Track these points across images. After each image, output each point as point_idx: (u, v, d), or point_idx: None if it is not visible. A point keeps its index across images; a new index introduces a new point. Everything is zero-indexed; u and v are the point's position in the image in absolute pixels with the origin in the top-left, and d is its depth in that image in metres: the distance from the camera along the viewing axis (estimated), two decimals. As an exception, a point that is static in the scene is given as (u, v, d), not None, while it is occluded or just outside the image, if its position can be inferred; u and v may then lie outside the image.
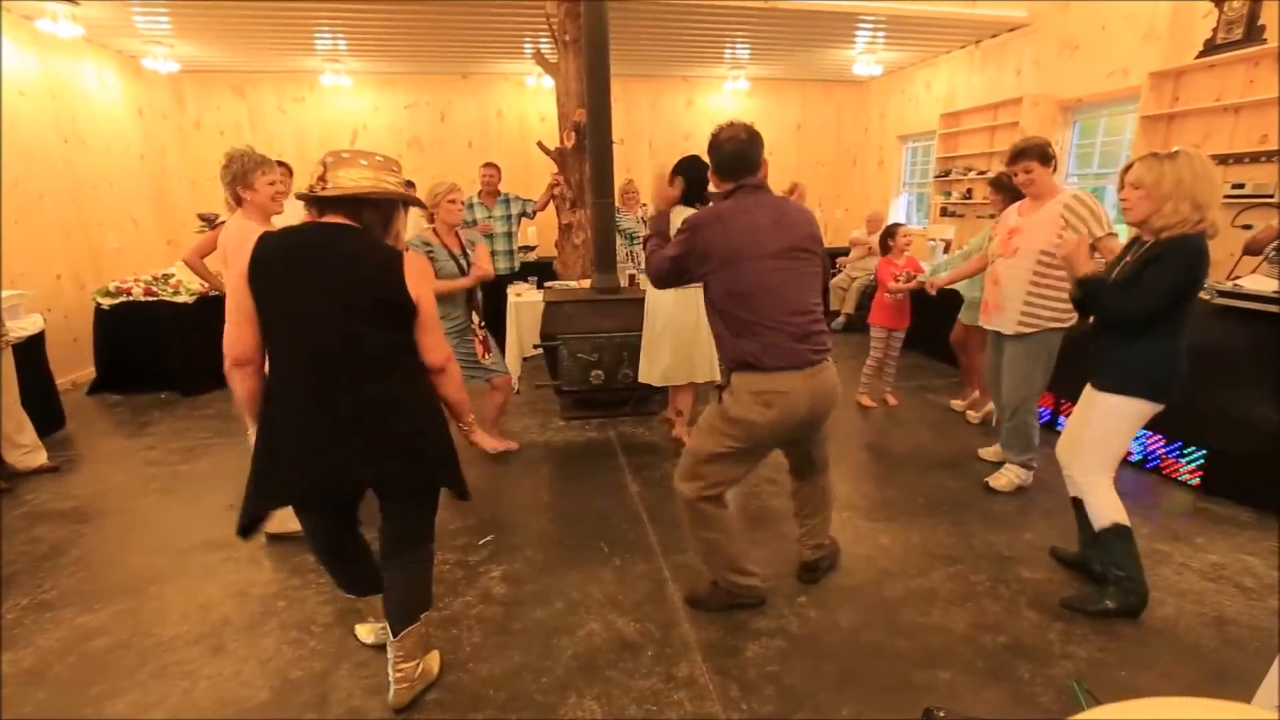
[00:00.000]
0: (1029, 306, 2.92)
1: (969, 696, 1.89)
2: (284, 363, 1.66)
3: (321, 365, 1.63)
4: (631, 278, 4.50)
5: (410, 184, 2.10)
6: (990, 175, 6.06)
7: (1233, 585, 2.41)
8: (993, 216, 3.59)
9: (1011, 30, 5.85)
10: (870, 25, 5.88)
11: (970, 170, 6.45)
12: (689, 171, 3.06)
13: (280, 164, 3.13)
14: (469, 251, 3.36)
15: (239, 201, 2.61)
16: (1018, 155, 2.87)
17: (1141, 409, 2.15)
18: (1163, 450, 3.29)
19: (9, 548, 2.79)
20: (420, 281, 1.72)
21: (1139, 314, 2.06)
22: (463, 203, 3.33)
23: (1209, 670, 1.99)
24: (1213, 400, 3.00)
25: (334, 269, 1.64)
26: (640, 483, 3.34)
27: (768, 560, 2.55)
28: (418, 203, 1.93)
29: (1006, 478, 3.16)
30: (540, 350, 4.20)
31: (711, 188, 2.20)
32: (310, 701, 1.91)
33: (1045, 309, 2.89)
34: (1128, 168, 2.12)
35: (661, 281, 2.21)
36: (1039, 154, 2.84)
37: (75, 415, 4.41)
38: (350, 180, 1.68)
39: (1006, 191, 3.46)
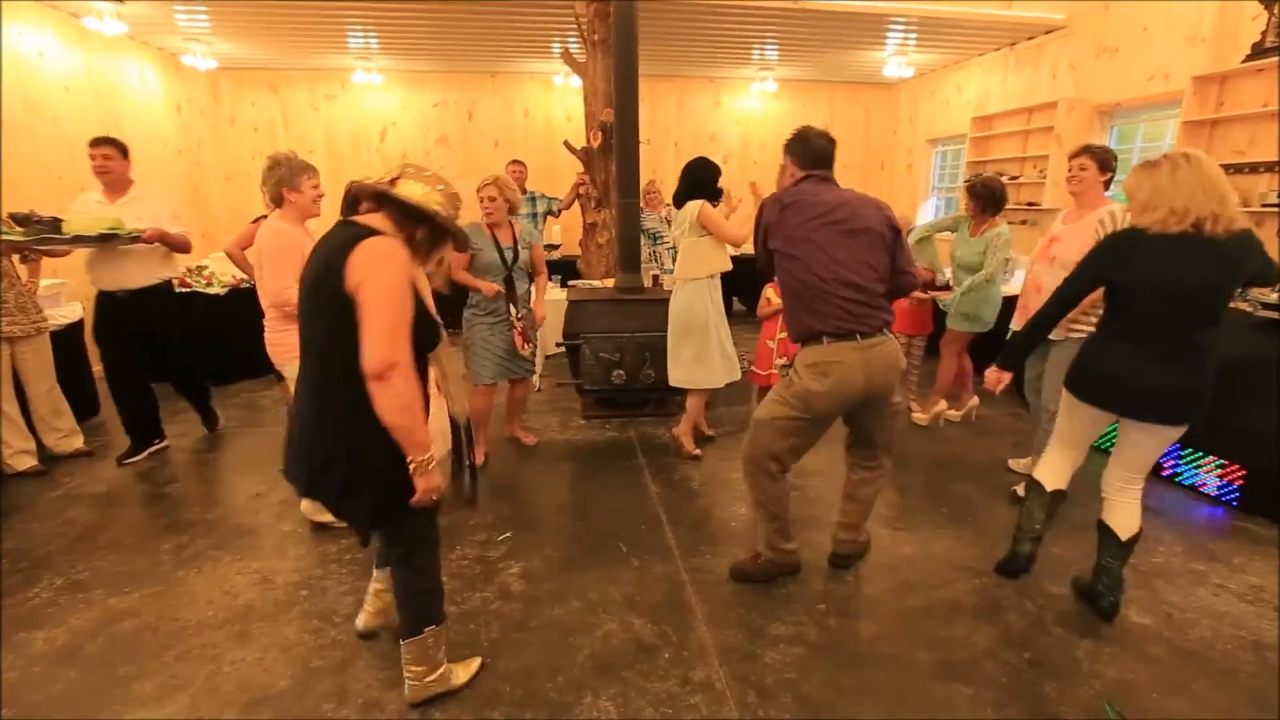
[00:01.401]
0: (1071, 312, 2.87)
1: (991, 713, 1.85)
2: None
3: (301, 363, 1.65)
4: (655, 278, 4.49)
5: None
6: (1025, 178, 5.96)
7: (1272, 608, 2.33)
8: (970, 218, 3.83)
9: (1048, 33, 5.73)
10: (902, 26, 5.80)
11: (1003, 175, 6.31)
12: (697, 173, 3.35)
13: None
14: (521, 246, 3.35)
15: (280, 202, 2.69)
16: (1079, 151, 2.90)
17: (1069, 398, 2.26)
18: (1198, 467, 3.19)
19: (45, 529, 2.87)
20: (366, 269, 1.46)
21: (1052, 298, 2.24)
22: (498, 200, 3.21)
23: (1245, 696, 1.92)
24: (1247, 416, 2.89)
25: (317, 263, 1.56)
26: (660, 484, 3.33)
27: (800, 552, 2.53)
28: (466, 240, 1.78)
29: None
30: (563, 348, 4.21)
31: (786, 179, 2.40)
32: (330, 691, 1.93)
33: (1087, 316, 2.84)
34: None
35: (761, 272, 2.49)
36: (1099, 156, 2.86)
37: (109, 402, 4.50)
38: (416, 194, 1.61)
39: (979, 199, 3.65)
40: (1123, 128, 5.40)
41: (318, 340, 1.57)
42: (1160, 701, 1.90)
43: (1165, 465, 3.33)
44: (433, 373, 1.78)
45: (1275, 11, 3.91)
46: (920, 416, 4.05)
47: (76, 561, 2.62)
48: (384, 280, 1.47)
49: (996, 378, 2.38)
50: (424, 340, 1.66)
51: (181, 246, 3.52)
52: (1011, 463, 3.50)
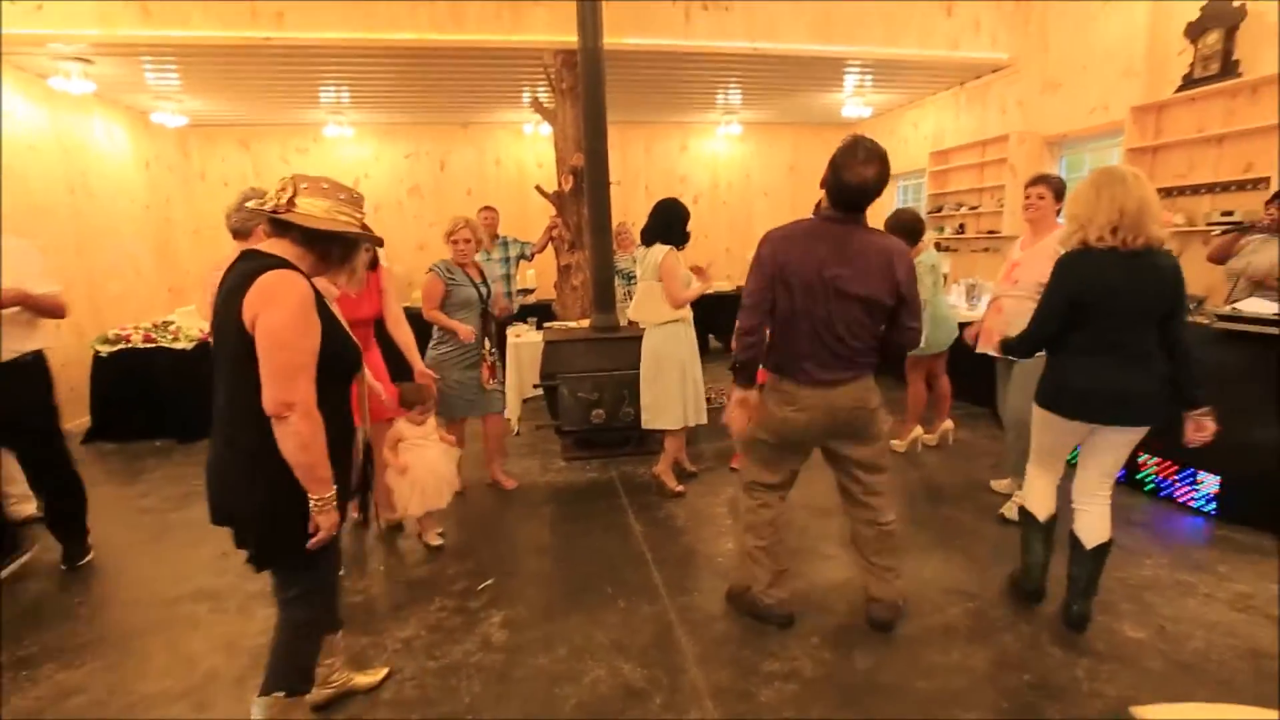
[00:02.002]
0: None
1: (996, 740, 1.79)
2: None
3: (215, 405, 1.60)
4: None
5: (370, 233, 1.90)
6: (982, 209, 6.18)
7: (1263, 615, 2.32)
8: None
9: (994, 71, 6.04)
10: (858, 68, 6.07)
11: (962, 206, 6.55)
12: (668, 214, 3.40)
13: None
14: (491, 280, 3.59)
15: (246, 236, 2.51)
16: (1037, 180, 3.04)
17: (1043, 415, 2.27)
18: (1175, 478, 3.23)
19: (-10, 602, 2.68)
20: (260, 306, 1.44)
21: (1034, 321, 2.23)
22: (474, 241, 3.40)
23: (1245, 705, 1.89)
24: (1224, 426, 2.95)
25: (219, 301, 1.54)
26: (644, 523, 3.25)
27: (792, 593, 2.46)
28: (378, 241, 1.77)
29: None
30: (540, 391, 4.17)
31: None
32: (299, 761, 1.80)
33: None
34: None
35: (743, 314, 2.19)
36: (1054, 185, 3.03)
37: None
38: (321, 212, 1.56)
39: (894, 234, 3.70)
40: (1071, 157, 5.66)
41: (221, 373, 1.55)
42: (1163, 718, 1.85)
43: (1146, 479, 3.36)
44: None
45: (1200, 46, 4.18)
46: (897, 444, 4.07)
47: (24, 636, 2.43)
48: (276, 319, 1.44)
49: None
50: (344, 366, 1.64)
51: (51, 310, 2.92)
52: (993, 483, 3.51)
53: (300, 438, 1.46)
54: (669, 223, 3.39)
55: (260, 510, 1.55)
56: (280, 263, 1.51)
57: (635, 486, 3.73)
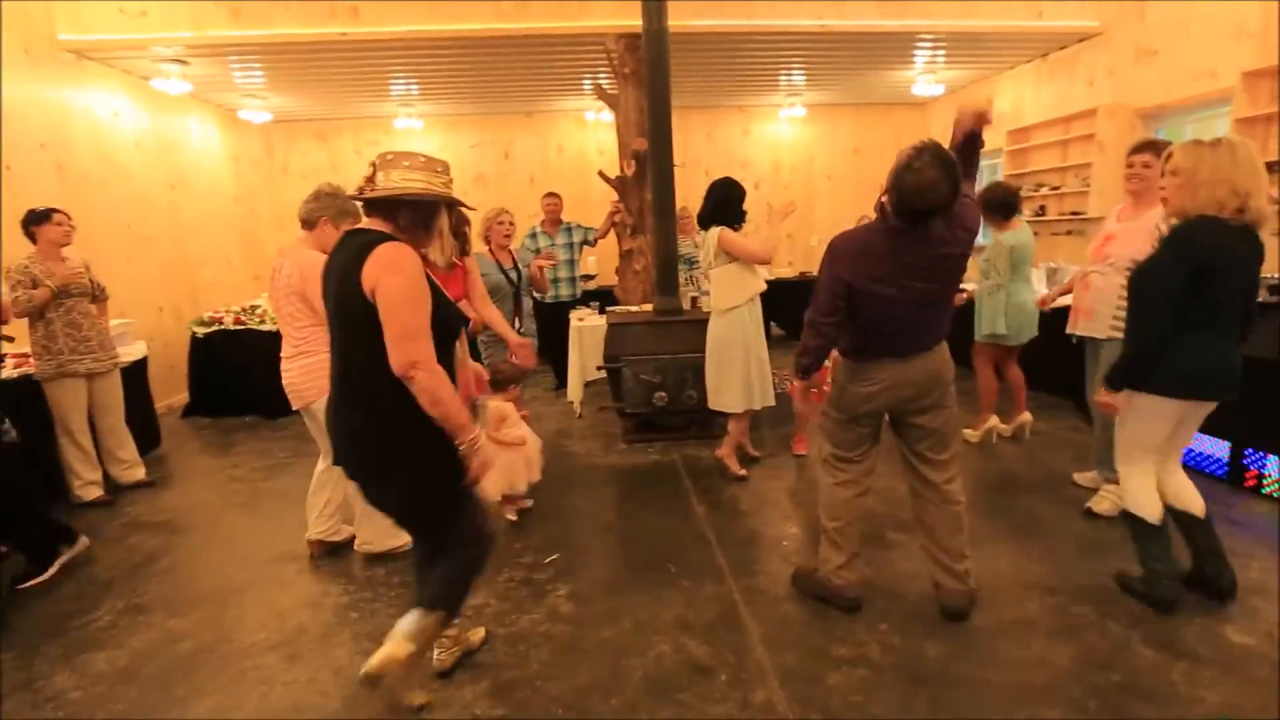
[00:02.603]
0: (1123, 312, 2.76)
1: (1083, 737, 1.71)
2: None
3: (335, 372, 1.70)
4: (694, 300, 4.48)
5: (458, 203, 1.96)
6: (1064, 190, 5.81)
7: (1391, 625, 2.11)
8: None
9: (1081, 40, 5.65)
10: (930, 43, 5.80)
11: (1042, 186, 6.18)
12: (720, 193, 3.36)
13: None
14: (522, 265, 3.81)
15: (312, 227, 2.61)
16: (1141, 146, 2.81)
17: (1153, 404, 2.11)
18: (1244, 461, 3.01)
19: (109, 555, 2.96)
20: (378, 276, 1.54)
21: (1146, 320, 2.06)
22: (510, 223, 3.76)
23: (1373, 720, 1.73)
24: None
25: (334, 277, 1.64)
26: (707, 505, 3.25)
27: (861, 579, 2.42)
28: (459, 203, 1.82)
29: (1110, 500, 2.90)
30: (603, 374, 4.21)
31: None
32: (379, 713, 1.90)
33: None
34: (1168, 156, 2.10)
35: (810, 332, 2.20)
36: (1162, 153, 2.75)
37: (170, 436, 4.71)
38: (391, 182, 1.65)
39: (983, 208, 3.55)
40: (1169, 130, 5.23)
41: (345, 344, 1.66)
42: (1273, 726, 1.72)
43: (1249, 474, 3.11)
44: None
45: (1328, 2, 3.78)
46: (970, 433, 3.90)
47: (138, 586, 2.68)
48: (397, 284, 1.55)
49: (1107, 401, 2.19)
50: (450, 332, 1.73)
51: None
52: (1076, 477, 3.31)
53: (430, 393, 1.56)
54: (723, 200, 3.36)
55: (400, 467, 1.66)
56: (384, 236, 1.62)
57: (698, 470, 3.73)
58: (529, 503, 3.19)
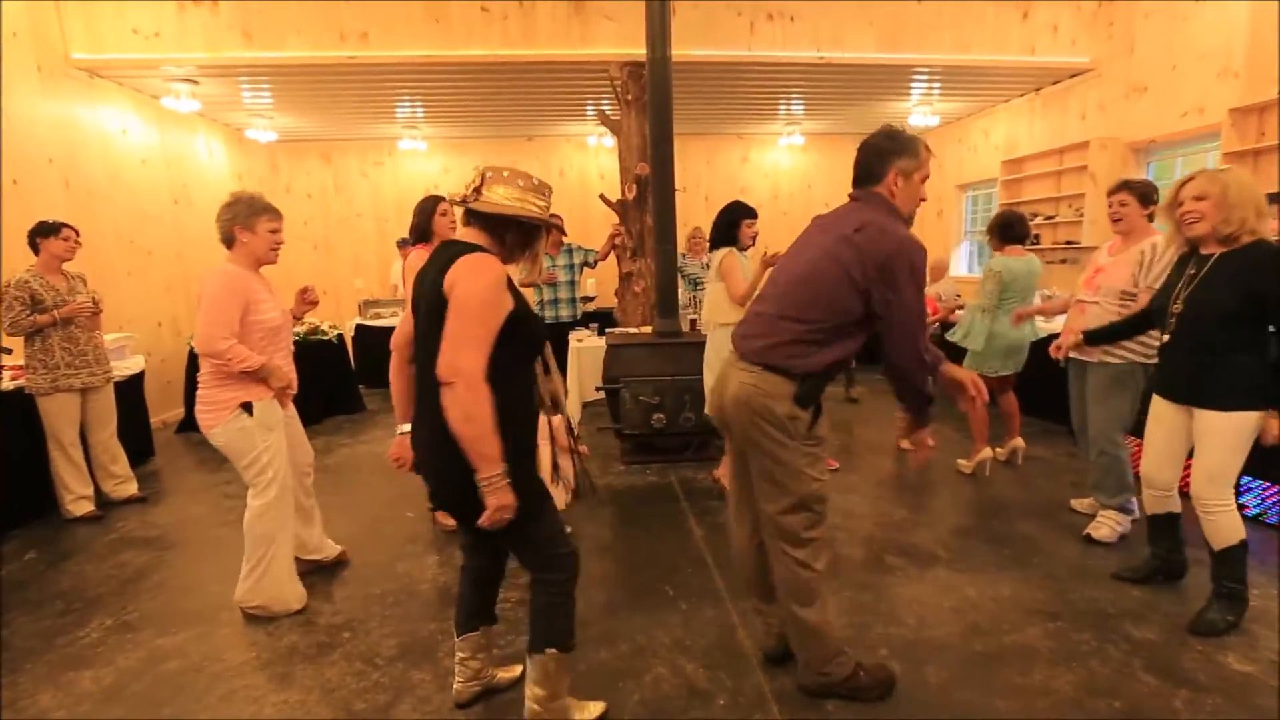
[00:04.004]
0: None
1: (1086, 767, 1.68)
2: None
3: (418, 380, 1.70)
4: (693, 322, 4.51)
5: (557, 216, 1.97)
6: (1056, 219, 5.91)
7: (1393, 655, 2.10)
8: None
9: (1073, 76, 5.80)
10: (926, 77, 5.94)
11: (1036, 215, 6.28)
12: (727, 215, 3.51)
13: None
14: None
15: (230, 244, 2.41)
16: (1118, 187, 2.90)
17: (1254, 421, 2.13)
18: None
19: (98, 571, 2.91)
20: (456, 280, 1.51)
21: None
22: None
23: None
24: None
25: (426, 289, 1.62)
26: (705, 527, 3.23)
27: (841, 611, 2.40)
28: (560, 228, 1.84)
29: (1108, 526, 2.91)
30: (601, 395, 4.22)
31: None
32: (372, 735, 1.87)
33: (1131, 344, 2.78)
34: (1183, 183, 2.21)
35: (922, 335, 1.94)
36: (1139, 191, 2.88)
37: (163, 451, 4.68)
38: (502, 198, 1.63)
39: (988, 231, 3.79)
40: (1159, 163, 5.35)
41: (431, 364, 1.56)
42: (1278, 757, 1.70)
43: (1246, 505, 3.11)
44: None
45: (1311, 43, 3.90)
46: (964, 464, 3.90)
47: (127, 603, 2.64)
48: (467, 291, 1.51)
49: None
50: (533, 349, 1.71)
51: None
52: (1074, 503, 3.31)
53: (464, 407, 1.47)
54: (730, 224, 3.46)
55: (462, 478, 1.54)
56: (475, 247, 1.61)
57: (695, 491, 3.71)
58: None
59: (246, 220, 2.39)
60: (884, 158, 1.82)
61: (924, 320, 1.80)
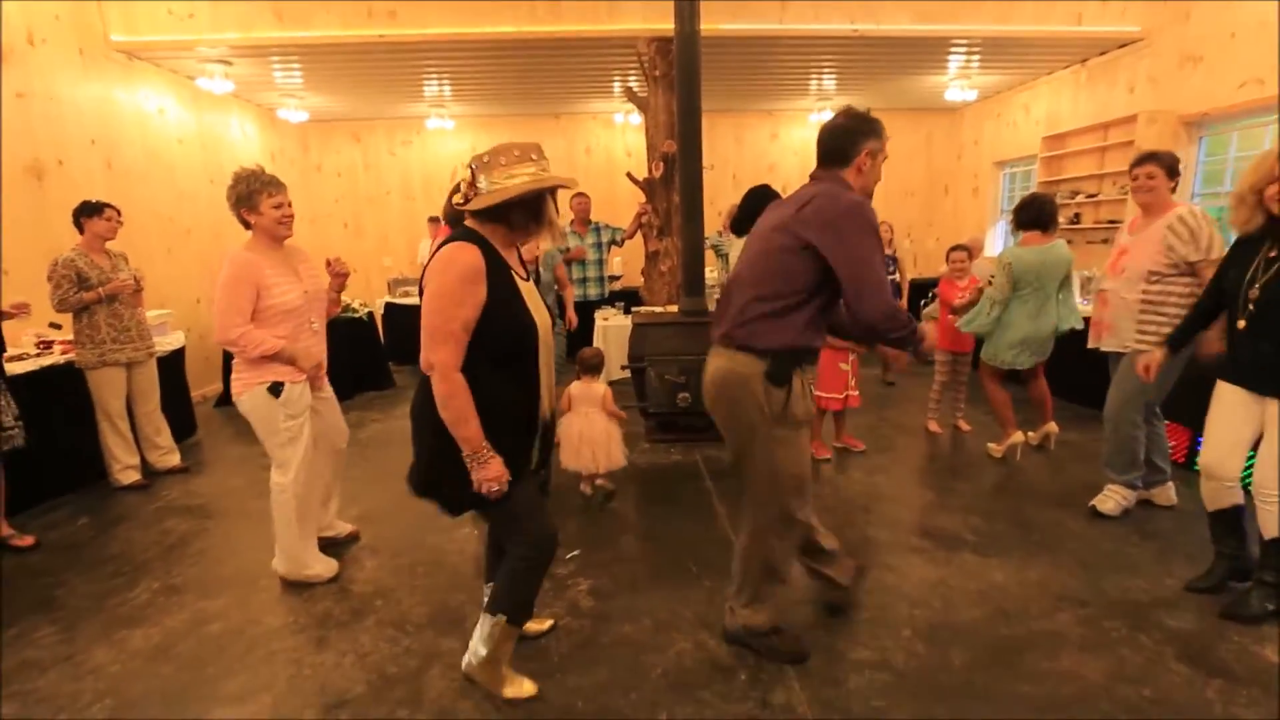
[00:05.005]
0: (1143, 325, 2.76)
1: (1113, 752, 1.67)
2: None
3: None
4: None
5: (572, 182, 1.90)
6: (1099, 197, 5.68)
7: None
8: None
9: (1122, 46, 5.53)
10: (964, 49, 5.73)
11: (1078, 194, 6.06)
12: (749, 202, 3.46)
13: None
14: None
15: (248, 226, 2.43)
16: (1143, 159, 2.76)
17: None
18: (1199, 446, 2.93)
19: (145, 537, 3.05)
20: (433, 271, 1.59)
21: None
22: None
23: None
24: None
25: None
26: (729, 506, 3.24)
27: (865, 591, 2.40)
28: (563, 183, 1.69)
29: (1114, 500, 2.93)
30: (627, 374, 4.23)
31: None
32: (404, 698, 1.94)
33: (1161, 326, 2.68)
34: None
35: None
36: (1166, 163, 2.73)
37: (204, 424, 4.84)
38: (495, 185, 1.61)
39: (1013, 214, 3.61)
40: (1213, 138, 5.09)
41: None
42: (1315, 750, 1.66)
43: None
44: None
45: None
46: (994, 447, 3.83)
47: (172, 567, 2.76)
48: (435, 286, 1.58)
49: None
50: (517, 342, 1.67)
51: None
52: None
53: (440, 395, 1.59)
54: (756, 211, 3.37)
55: (425, 454, 1.72)
56: (464, 235, 1.63)
57: (719, 470, 3.72)
58: (608, 485, 3.33)
59: (249, 202, 2.38)
60: (855, 139, 1.85)
61: (884, 275, 1.76)
